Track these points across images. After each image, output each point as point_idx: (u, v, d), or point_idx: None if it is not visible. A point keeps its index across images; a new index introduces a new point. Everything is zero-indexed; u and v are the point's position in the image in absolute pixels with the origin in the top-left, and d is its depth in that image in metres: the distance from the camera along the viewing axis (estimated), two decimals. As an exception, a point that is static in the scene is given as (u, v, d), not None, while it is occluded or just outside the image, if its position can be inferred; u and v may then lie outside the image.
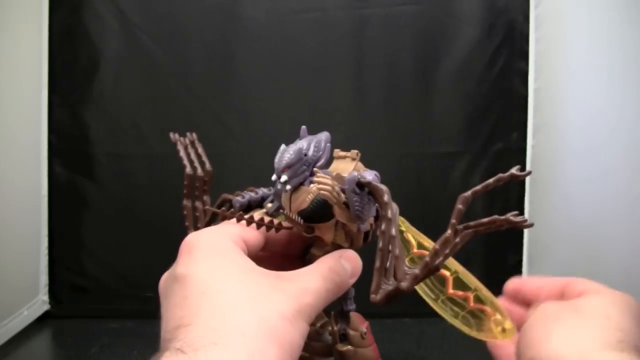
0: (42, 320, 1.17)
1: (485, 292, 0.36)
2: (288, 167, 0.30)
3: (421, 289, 0.36)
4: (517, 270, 1.18)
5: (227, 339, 0.23)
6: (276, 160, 0.31)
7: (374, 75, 1.18)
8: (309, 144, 0.32)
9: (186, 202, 0.40)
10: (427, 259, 0.28)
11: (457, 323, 0.35)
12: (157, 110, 1.19)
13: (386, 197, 0.30)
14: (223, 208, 0.32)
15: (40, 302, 1.18)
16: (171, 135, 0.42)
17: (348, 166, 0.34)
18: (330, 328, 0.35)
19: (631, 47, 0.92)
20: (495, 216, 0.28)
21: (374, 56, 1.18)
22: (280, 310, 0.25)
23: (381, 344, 0.36)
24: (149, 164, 1.18)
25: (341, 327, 0.35)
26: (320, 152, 0.32)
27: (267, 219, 0.31)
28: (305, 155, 0.31)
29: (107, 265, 1.20)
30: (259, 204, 0.36)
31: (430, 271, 0.28)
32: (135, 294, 1.17)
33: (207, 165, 0.41)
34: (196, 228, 0.39)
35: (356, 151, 0.35)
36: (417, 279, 0.28)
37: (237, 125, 1.18)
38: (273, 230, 0.31)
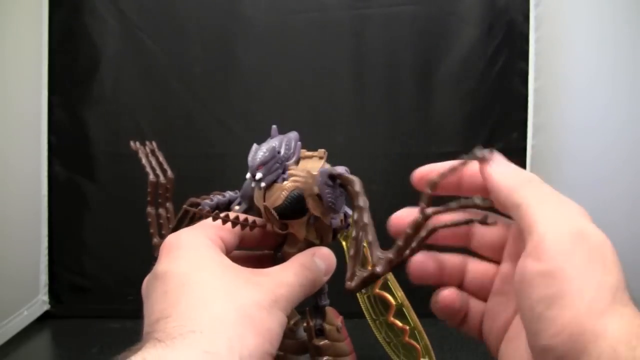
0: (42, 320, 1.17)
1: (422, 333, 0.37)
2: (262, 164, 0.31)
3: (364, 305, 0.37)
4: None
5: (205, 327, 0.24)
6: (250, 158, 0.32)
7: (374, 75, 1.18)
8: (280, 142, 0.33)
9: (150, 210, 0.40)
10: (400, 242, 0.27)
11: (387, 347, 0.36)
12: (157, 110, 1.19)
13: (357, 187, 0.31)
14: (200, 207, 0.33)
15: (40, 302, 1.18)
16: (132, 143, 0.42)
17: (316, 164, 0.35)
18: (305, 324, 0.36)
19: (631, 47, 0.92)
20: (462, 200, 0.28)
21: (374, 56, 1.18)
22: (257, 300, 0.26)
23: (373, 344, 0.37)
24: (149, 164, 1.18)
25: (317, 322, 0.36)
26: (291, 151, 0.33)
27: (242, 216, 0.31)
28: (279, 153, 0.32)
29: (107, 265, 1.20)
30: (226, 206, 0.37)
31: (404, 256, 0.28)
32: (135, 294, 1.17)
33: (169, 173, 0.42)
34: (161, 235, 0.39)
35: (323, 150, 0.36)
36: (391, 263, 0.28)
37: (237, 125, 1.18)
38: (247, 228, 0.32)
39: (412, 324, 0.37)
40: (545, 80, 1.15)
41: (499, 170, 0.29)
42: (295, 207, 0.31)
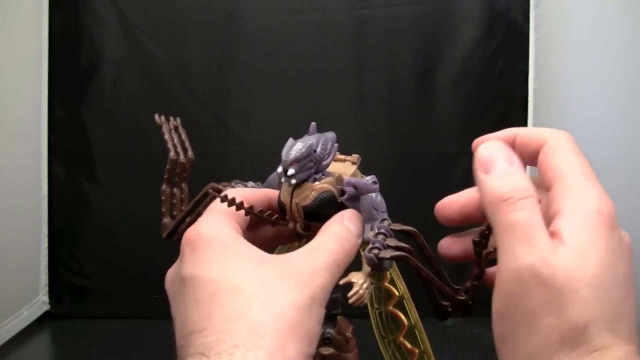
0: (42, 320, 1.17)
1: (430, 356, 0.36)
2: (296, 161, 0.30)
3: (374, 320, 0.36)
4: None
5: (246, 340, 0.23)
6: (284, 152, 0.30)
7: (374, 75, 1.18)
8: (318, 141, 0.31)
9: (165, 187, 0.37)
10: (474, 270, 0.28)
11: None
12: (157, 110, 1.17)
13: (421, 239, 0.30)
14: (224, 193, 0.31)
15: (40, 303, 1.18)
16: (156, 116, 0.40)
17: (348, 170, 0.34)
18: None
19: (631, 47, 0.92)
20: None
21: (374, 56, 1.18)
22: (294, 302, 0.25)
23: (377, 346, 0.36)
24: (149, 164, 1.18)
25: (326, 331, 0.34)
26: (327, 151, 0.32)
27: (264, 210, 0.31)
28: (314, 151, 0.31)
29: (107, 266, 1.20)
30: None
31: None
32: (135, 294, 1.17)
33: (190, 153, 0.39)
34: (172, 215, 0.38)
35: (357, 155, 0.35)
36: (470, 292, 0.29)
37: (237, 125, 1.18)
38: (250, 196, 0.31)
39: (422, 348, 0.36)
40: (545, 81, 1.15)
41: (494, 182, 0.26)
42: (322, 209, 0.30)
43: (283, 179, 0.30)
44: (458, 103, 1.18)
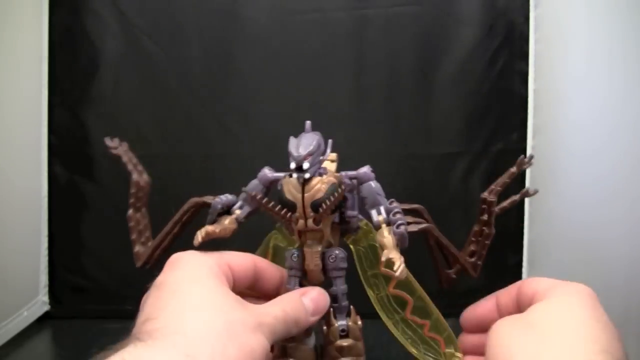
0: (42, 320, 1.17)
1: (444, 324, 0.36)
2: (309, 155, 0.30)
3: (377, 306, 0.36)
4: (517, 270, 1.18)
5: (189, 331, 0.24)
6: (293, 148, 0.31)
7: (374, 75, 1.18)
8: (318, 136, 0.33)
9: (132, 213, 0.37)
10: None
11: (406, 344, 0.36)
12: (157, 110, 1.19)
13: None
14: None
15: (40, 303, 1.18)
16: (107, 140, 0.40)
17: (329, 167, 0.35)
18: (325, 327, 0.35)
19: (631, 47, 0.92)
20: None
21: (374, 56, 1.18)
22: (243, 319, 0.26)
23: (386, 344, 0.36)
24: (149, 164, 1.17)
25: (341, 324, 0.34)
26: (324, 147, 0.33)
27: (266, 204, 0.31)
28: (319, 146, 0.32)
29: (107, 266, 1.20)
30: (228, 210, 0.35)
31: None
32: (135, 294, 1.16)
33: (145, 175, 0.39)
34: (142, 242, 0.37)
35: (335, 154, 0.36)
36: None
37: (237, 126, 1.18)
38: (267, 267, 0.32)
39: (433, 316, 0.36)
40: (545, 81, 1.15)
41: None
42: (335, 200, 0.31)
43: (294, 175, 0.31)
44: (458, 103, 1.18)
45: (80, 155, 1.20)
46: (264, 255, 0.38)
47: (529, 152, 1.18)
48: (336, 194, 0.30)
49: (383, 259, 0.30)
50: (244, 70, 1.18)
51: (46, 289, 1.20)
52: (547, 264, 1.12)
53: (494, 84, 1.17)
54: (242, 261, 0.32)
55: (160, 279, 0.29)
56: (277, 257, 0.38)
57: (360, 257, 0.36)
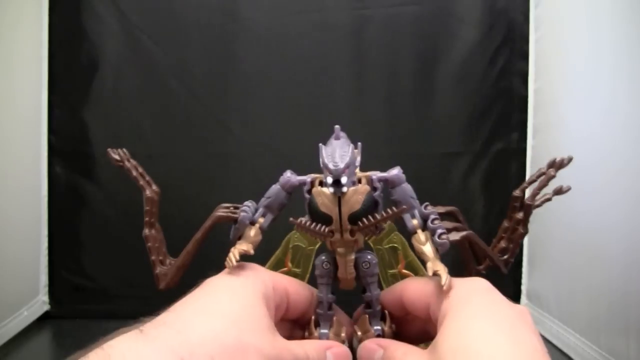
0: (42, 320, 1.17)
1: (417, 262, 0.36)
2: (347, 167, 0.28)
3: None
4: (516, 270, 1.18)
5: (194, 335, 0.23)
6: (329, 161, 0.28)
7: (374, 75, 1.18)
8: (349, 143, 0.30)
9: (148, 232, 0.34)
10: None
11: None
12: (157, 110, 1.19)
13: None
14: (299, 220, 0.29)
15: (40, 303, 1.18)
16: (111, 152, 0.36)
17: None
18: (359, 332, 0.33)
19: (631, 47, 0.92)
20: None
21: (374, 56, 1.18)
22: (261, 347, 0.24)
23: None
24: (149, 164, 1.18)
25: (375, 328, 0.31)
26: (355, 154, 0.30)
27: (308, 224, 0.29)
28: (354, 155, 0.30)
29: (107, 266, 1.20)
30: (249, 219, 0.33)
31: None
32: (135, 294, 1.17)
33: (154, 186, 0.35)
34: (162, 261, 0.34)
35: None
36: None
37: (237, 125, 1.18)
38: (297, 291, 0.30)
39: (410, 258, 0.35)
40: (545, 81, 1.15)
41: None
42: (368, 211, 0.29)
43: (331, 189, 0.28)
44: (458, 103, 1.18)
45: (80, 155, 1.20)
46: (283, 256, 0.37)
47: (529, 151, 1.18)
48: (384, 214, 0.29)
49: (430, 273, 0.28)
50: (244, 70, 1.18)
51: (46, 289, 1.20)
52: (547, 263, 1.12)
53: (494, 84, 1.17)
54: (305, 299, 0.30)
55: (212, 277, 0.28)
56: (297, 258, 0.37)
57: (382, 258, 0.36)
